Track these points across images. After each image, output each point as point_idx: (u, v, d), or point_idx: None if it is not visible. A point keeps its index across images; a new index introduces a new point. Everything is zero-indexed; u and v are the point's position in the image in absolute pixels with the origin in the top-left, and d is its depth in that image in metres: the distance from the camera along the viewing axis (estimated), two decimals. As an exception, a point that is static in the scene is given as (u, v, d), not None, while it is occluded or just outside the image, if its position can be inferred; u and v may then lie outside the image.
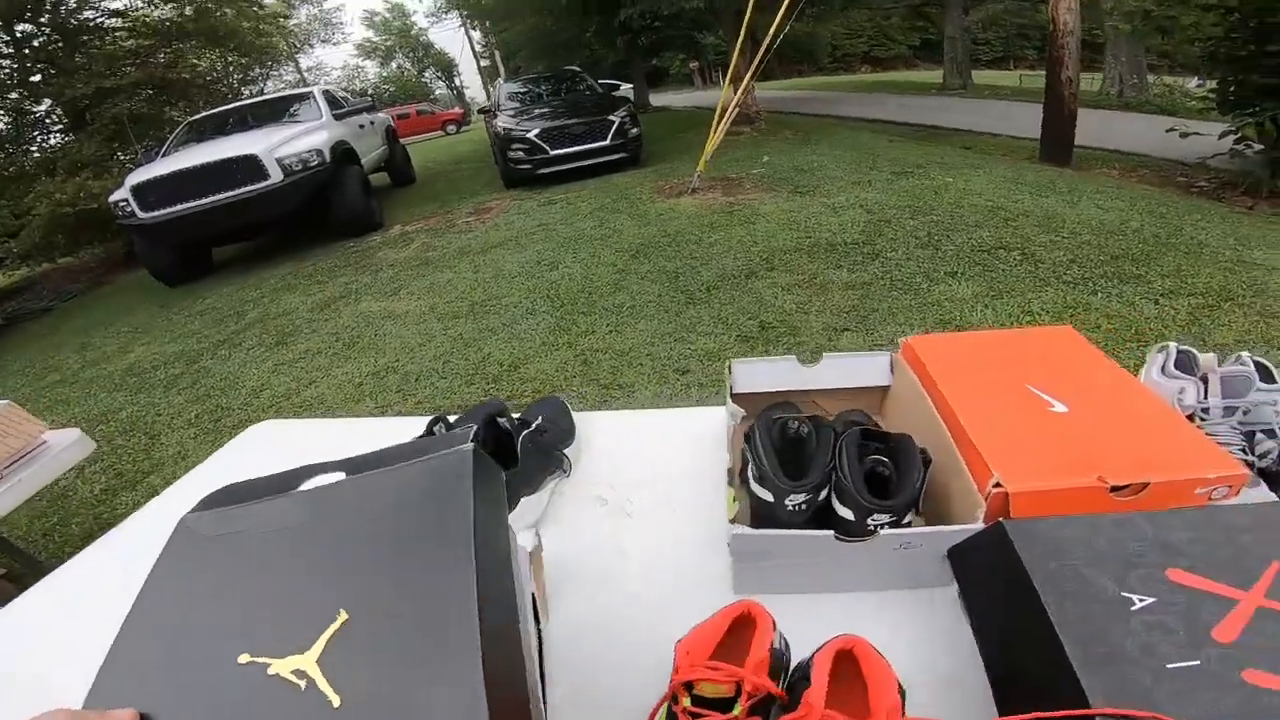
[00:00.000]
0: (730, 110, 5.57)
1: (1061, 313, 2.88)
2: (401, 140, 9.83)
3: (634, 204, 5.20)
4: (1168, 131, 6.34)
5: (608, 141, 6.65)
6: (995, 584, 0.57)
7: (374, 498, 0.44)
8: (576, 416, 1.06)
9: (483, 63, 31.39)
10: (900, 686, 0.48)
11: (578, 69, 9.55)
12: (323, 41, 23.70)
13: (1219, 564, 0.52)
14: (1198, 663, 0.44)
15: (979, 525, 0.61)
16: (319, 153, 5.68)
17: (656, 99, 18.93)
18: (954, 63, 17.21)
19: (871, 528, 0.62)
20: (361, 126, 7.18)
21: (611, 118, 6.71)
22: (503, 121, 6.97)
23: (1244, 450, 0.73)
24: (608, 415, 1.10)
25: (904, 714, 0.46)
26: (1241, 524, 0.56)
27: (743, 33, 5.65)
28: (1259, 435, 0.74)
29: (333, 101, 7.13)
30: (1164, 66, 13.45)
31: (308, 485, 0.46)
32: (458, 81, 39.29)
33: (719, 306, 3.11)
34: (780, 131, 8.45)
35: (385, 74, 36.32)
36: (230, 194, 5.27)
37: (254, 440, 1.20)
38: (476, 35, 27.88)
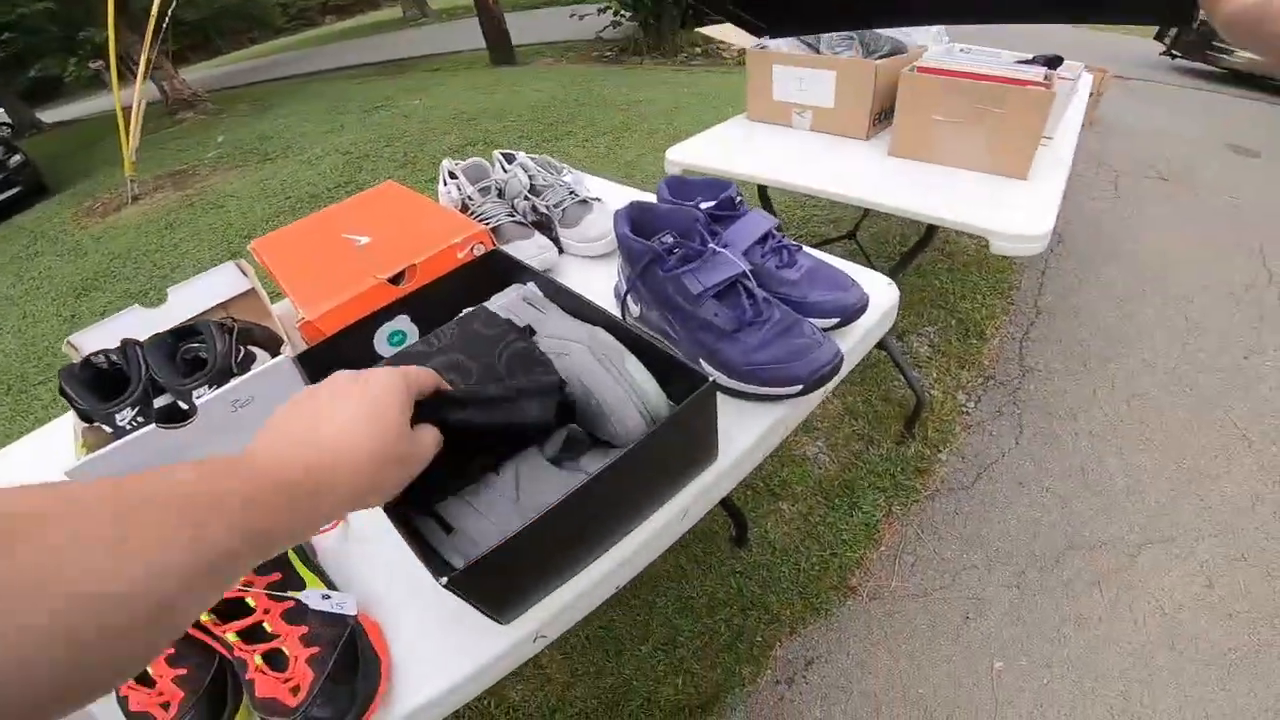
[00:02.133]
0: (138, 101, 4.61)
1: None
2: None
3: (57, 239, 4.04)
4: (570, 17, 7.49)
5: (-21, 183, 5.10)
6: None
7: None
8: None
9: None
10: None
11: None
12: None
13: None
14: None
15: (283, 358, 0.69)
16: None
17: (54, 114, 14.28)
18: (407, -6, 17.17)
19: (194, 407, 0.66)
20: None
21: (-35, 155, 5.18)
22: None
23: (510, 214, 0.98)
24: None
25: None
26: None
27: (110, 18, 4.65)
28: (519, 201, 1.00)
29: None
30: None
31: None
32: None
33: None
34: (235, 106, 7.45)
35: None
36: None
37: None
38: None
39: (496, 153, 1.05)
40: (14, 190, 5.21)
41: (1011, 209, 1.12)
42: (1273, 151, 2.86)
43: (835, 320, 0.76)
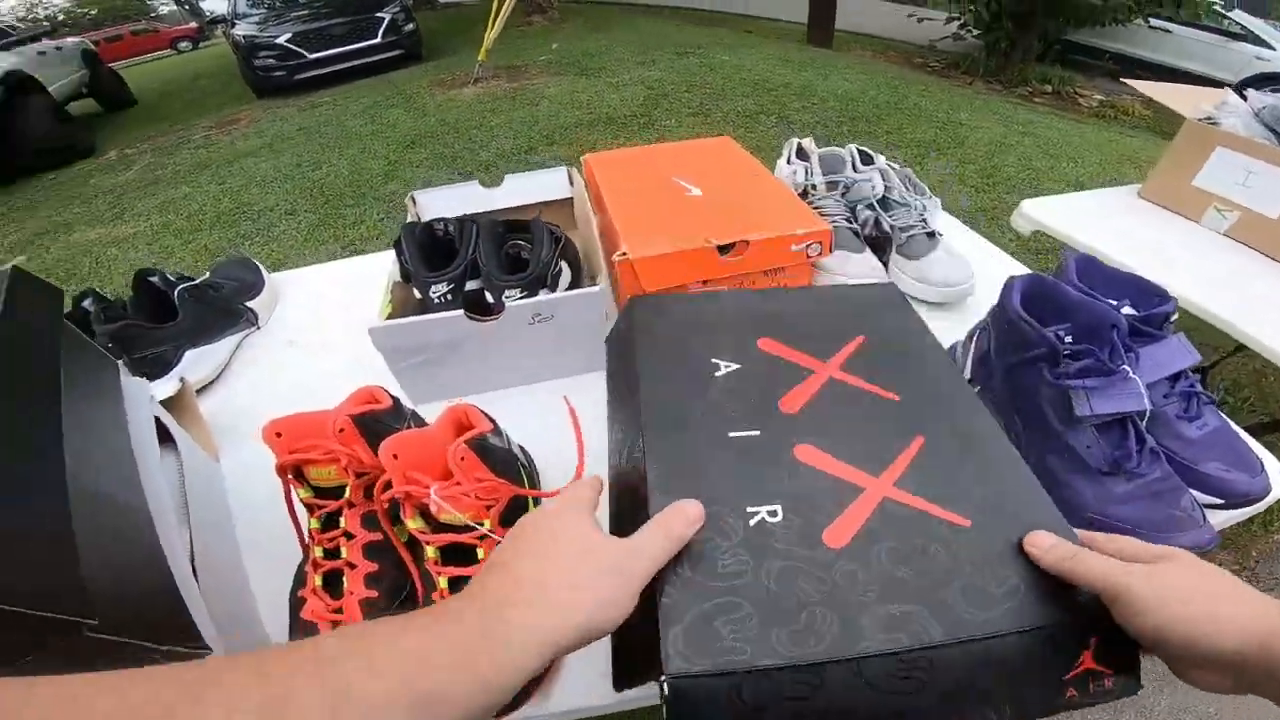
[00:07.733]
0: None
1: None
2: (118, 63, 9.42)
3: (411, 98, 4.82)
4: (908, 17, 7.10)
5: (379, 39, 6.16)
6: (620, 359, 0.58)
7: None
8: (280, 275, 1.02)
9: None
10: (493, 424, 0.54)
11: None
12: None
13: (806, 336, 0.53)
14: (757, 433, 0.44)
15: (599, 288, 0.68)
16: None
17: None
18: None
19: (503, 303, 0.66)
20: (42, 54, 6.26)
21: (381, 14, 6.27)
22: (244, 29, 6.23)
23: (848, 220, 0.88)
24: (309, 270, 1.05)
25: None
26: (836, 300, 0.59)
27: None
28: (861, 209, 0.89)
29: (-6, 32, 6.09)
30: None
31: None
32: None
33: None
34: (573, 20, 8.19)
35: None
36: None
37: None
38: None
39: (852, 146, 0.94)
40: (398, 52, 6.29)
41: None
42: None
43: (1220, 502, 0.57)
